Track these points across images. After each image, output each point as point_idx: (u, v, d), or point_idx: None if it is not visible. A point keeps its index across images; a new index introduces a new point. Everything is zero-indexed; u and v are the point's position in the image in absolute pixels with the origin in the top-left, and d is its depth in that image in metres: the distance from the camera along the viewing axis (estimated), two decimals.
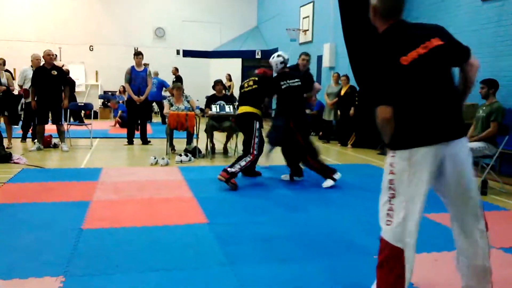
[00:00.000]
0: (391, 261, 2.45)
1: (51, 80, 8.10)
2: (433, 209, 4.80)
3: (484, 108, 5.92)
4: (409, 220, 2.43)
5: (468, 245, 2.59)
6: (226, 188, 5.58)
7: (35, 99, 8.14)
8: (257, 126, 5.90)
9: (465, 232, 2.59)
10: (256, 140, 5.80)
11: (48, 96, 8.11)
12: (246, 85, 6.17)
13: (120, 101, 13.76)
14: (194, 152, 7.94)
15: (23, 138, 9.24)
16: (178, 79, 14.41)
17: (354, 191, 5.65)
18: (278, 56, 6.00)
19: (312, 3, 13.45)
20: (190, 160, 7.54)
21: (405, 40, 2.43)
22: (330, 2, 11.65)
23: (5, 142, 7.86)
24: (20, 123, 9.32)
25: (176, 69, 14.98)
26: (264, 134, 6.03)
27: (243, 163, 5.67)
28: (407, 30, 2.48)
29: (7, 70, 8.88)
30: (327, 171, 5.91)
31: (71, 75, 16.20)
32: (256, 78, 6.10)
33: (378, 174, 6.77)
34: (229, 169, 5.58)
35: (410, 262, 2.44)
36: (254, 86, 6.04)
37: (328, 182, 5.83)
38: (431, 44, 2.41)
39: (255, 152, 5.79)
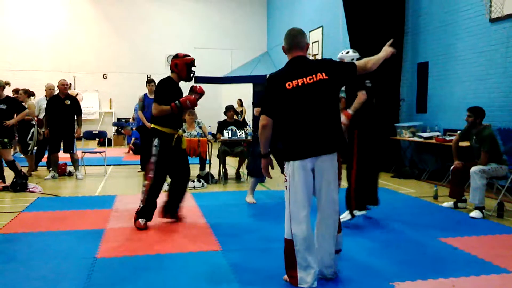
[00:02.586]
0: (286, 251, 3.23)
1: (64, 109, 8.24)
2: (449, 233, 4.76)
3: (474, 137, 5.90)
4: (294, 217, 3.18)
5: (322, 234, 3.30)
6: (240, 213, 5.56)
7: (48, 127, 8.27)
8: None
9: (325, 225, 3.30)
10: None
11: (61, 125, 8.24)
12: None
13: (134, 128, 13.91)
14: (207, 178, 7.97)
15: (36, 167, 9.34)
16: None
17: (372, 214, 5.60)
18: (354, 51, 5.39)
19: (321, 28, 13.60)
20: (203, 186, 7.56)
21: (297, 69, 3.20)
22: (339, 26, 11.78)
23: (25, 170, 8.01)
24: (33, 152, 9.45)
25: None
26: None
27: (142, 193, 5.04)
28: (303, 63, 3.24)
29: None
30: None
31: (84, 103, 16.54)
32: None
33: (392, 198, 6.72)
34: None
35: (302, 250, 3.14)
36: None
37: (347, 216, 5.10)
38: (316, 77, 3.16)
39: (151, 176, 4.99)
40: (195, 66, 5.14)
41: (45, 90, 8.92)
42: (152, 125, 5.00)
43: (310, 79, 3.14)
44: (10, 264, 3.82)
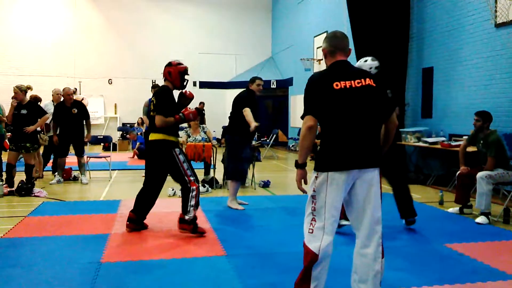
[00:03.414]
0: (308, 263, 2.81)
1: (71, 117, 8.27)
2: (455, 239, 4.74)
3: (481, 142, 5.87)
4: (325, 231, 2.80)
5: (362, 265, 2.85)
6: (244, 218, 5.56)
7: (57, 133, 8.32)
8: None
9: (362, 253, 2.86)
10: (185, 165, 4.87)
11: (69, 131, 8.28)
12: None
13: (139, 133, 13.95)
14: (211, 182, 7.97)
15: (54, 171, 9.34)
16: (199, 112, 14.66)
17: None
18: (373, 60, 5.12)
19: (325, 33, 13.62)
20: (207, 191, 7.56)
21: (343, 72, 2.91)
22: (344, 31, 11.77)
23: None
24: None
25: (202, 103, 15.52)
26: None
27: (192, 201, 4.80)
28: (348, 67, 2.95)
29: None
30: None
31: (89, 108, 16.59)
32: None
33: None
34: (186, 217, 4.81)
35: (321, 267, 2.80)
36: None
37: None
38: (365, 81, 2.88)
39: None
40: (188, 74, 5.07)
41: (52, 95, 8.97)
42: (163, 136, 4.80)
43: (358, 83, 2.86)
44: (15, 269, 3.82)
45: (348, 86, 2.83)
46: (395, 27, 9.36)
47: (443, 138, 8.35)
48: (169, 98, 4.89)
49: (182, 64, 5.08)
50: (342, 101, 2.81)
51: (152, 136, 4.86)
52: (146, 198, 5.05)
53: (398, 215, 5.93)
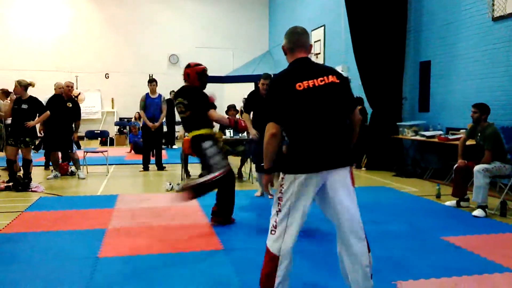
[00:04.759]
0: (268, 265, 2.80)
1: (65, 111, 8.21)
2: (452, 232, 4.75)
3: (479, 135, 5.88)
4: (287, 232, 2.75)
5: (350, 263, 2.77)
6: (241, 213, 5.56)
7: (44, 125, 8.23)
8: None
9: (347, 250, 2.78)
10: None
11: (58, 125, 8.19)
12: None
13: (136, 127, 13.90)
14: None
15: (46, 166, 9.31)
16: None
17: (374, 214, 5.58)
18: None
19: (323, 27, 13.58)
20: None
21: (305, 71, 2.81)
22: (341, 25, 11.75)
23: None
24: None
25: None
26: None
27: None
28: (309, 65, 2.88)
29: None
30: None
31: (86, 102, 16.54)
32: None
33: (394, 197, 6.70)
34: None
35: (283, 268, 2.76)
36: None
37: None
38: (327, 79, 2.79)
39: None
40: (207, 75, 5.14)
41: (55, 89, 8.75)
42: (209, 131, 5.00)
43: (321, 81, 2.76)
44: (12, 264, 3.83)
45: (311, 86, 2.74)
46: (392, 21, 9.34)
47: (440, 132, 8.35)
48: (202, 94, 5.05)
49: (201, 65, 5.13)
50: (307, 101, 2.73)
51: (196, 133, 4.93)
52: (222, 191, 5.09)
53: (394, 207, 5.96)
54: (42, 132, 8.29)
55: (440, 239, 4.56)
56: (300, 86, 2.73)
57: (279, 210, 2.78)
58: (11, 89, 9.05)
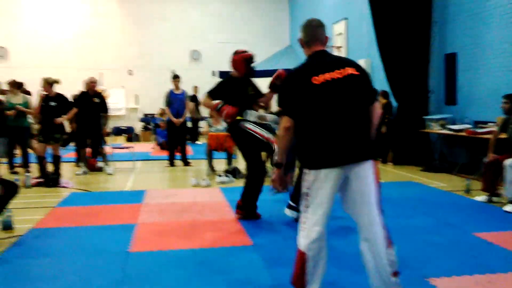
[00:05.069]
0: (298, 263, 2.78)
1: (92, 106, 8.38)
2: (484, 228, 4.67)
3: (511, 126, 5.75)
4: (312, 229, 2.72)
5: (371, 258, 2.72)
6: (269, 208, 5.54)
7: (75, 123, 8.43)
8: None
9: (368, 246, 2.73)
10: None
11: (88, 121, 8.37)
12: None
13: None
14: (234, 172, 8.00)
15: (78, 162, 9.43)
16: None
17: (402, 209, 5.52)
18: None
19: (345, 20, 13.44)
20: (231, 181, 7.59)
21: (322, 64, 2.77)
22: (364, 18, 11.61)
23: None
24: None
25: None
26: None
27: None
28: (326, 58, 2.85)
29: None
30: None
31: (110, 99, 16.71)
32: None
33: (423, 192, 6.62)
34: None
35: (312, 266, 2.74)
36: None
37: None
38: (345, 71, 2.73)
39: None
40: (253, 62, 5.25)
41: (87, 83, 8.80)
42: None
43: (339, 73, 2.70)
44: (45, 259, 3.91)
45: (329, 79, 2.69)
46: (417, 12, 9.18)
47: (468, 125, 8.20)
48: (221, 86, 5.16)
49: (247, 52, 5.23)
50: (324, 95, 2.67)
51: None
52: (249, 185, 5.12)
53: (423, 203, 5.88)
54: (73, 129, 8.45)
55: (471, 235, 4.49)
56: (316, 80, 2.69)
57: (307, 206, 2.76)
58: (31, 86, 9.13)
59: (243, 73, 5.16)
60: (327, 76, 2.69)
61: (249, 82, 5.26)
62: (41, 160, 7.48)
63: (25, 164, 8.32)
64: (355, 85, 2.73)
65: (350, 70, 2.73)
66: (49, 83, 7.53)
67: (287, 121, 2.74)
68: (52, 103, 7.48)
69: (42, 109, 7.55)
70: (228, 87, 5.14)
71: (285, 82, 2.86)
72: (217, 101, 5.14)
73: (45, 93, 7.62)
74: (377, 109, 2.89)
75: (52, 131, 7.43)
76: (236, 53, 5.22)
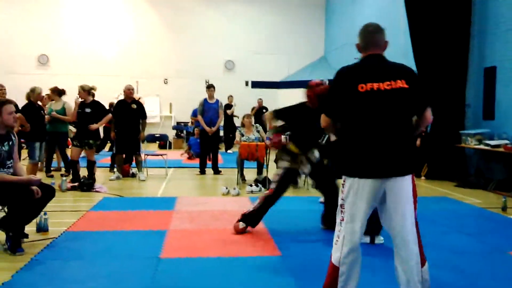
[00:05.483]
0: (330, 276, 2.75)
1: (130, 113, 8.56)
2: None
3: None
4: (345, 243, 2.69)
5: (401, 274, 2.68)
6: (298, 219, 5.53)
7: (115, 130, 8.64)
8: None
9: (400, 262, 2.69)
10: None
11: (126, 128, 8.56)
12: None
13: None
14: (264, 182, 7.99)
15: (111, 168, 9.61)
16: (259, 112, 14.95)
17: (435, 225, 5.40)
18: None
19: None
20: (260, 190, 7.59)
21: (373, 71, 2.72)
22: (400, 28, 11.48)
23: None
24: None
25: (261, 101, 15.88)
26: None
27: None
28: (379, 64, 2.77)
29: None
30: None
31: (145, 107, 17.01)
32: None
33: (457, 208, 6.44)
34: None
35: (343, 280, 2.69)
36: None
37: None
38: (396, 84, 2.66)
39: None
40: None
41: (124, 91, 8.99)
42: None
43: (388, 85, 2.64)
44: (77, 261, 4.00)
45: (375, 89, 2.63)
46: (455, 24, 9.01)
47: (506, 141, 7.95)
48: (290, 111, 5.05)
49: (323, 84, 4.83)
50: (367, 105, 2.63)
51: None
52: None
53: (457, 219, 5.73)
54: (113, 138, 8.67)
55: (507, 254, 4.34)
56: (362, 87, 2.65)
57: (342, 219, 2.73)
58: (70, 93, 9.38)
59: (316, 107, 4.63)
60: (375, 85, 2.64)
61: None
62: (74, 164, 7.68)
63: (61, 168, 8.56)
64: (402, 99, 2.66)
65: (400, 83, 2.67)
66: (85, 90, 7.76)
67: (324, 120, 2.81)
68: (88, 110, 7.70)
69: (78, 115, 7.78)
70: (297, 114, 4.93)
71: (334, 81, 2.80)
72: (279, 122, 5.02)
73: (81, 99, 7.84)
74: (427, 115, 2.82)
75: (86, 137, 7.63)
76: (310, 87, 4.79)
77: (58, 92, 8.69)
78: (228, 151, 14.69)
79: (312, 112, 4.62)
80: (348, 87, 2.68)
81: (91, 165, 7.68)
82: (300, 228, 5.23)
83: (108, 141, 9.66)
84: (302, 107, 4.94)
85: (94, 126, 7.70)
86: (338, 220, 2.76)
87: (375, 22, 3.00)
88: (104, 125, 8.93)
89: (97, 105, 7.89)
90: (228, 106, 14.75)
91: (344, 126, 2.74)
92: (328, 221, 4.94)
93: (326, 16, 19.22)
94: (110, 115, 8.22)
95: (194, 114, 15.21)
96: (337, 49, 17.67)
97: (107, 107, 9.16)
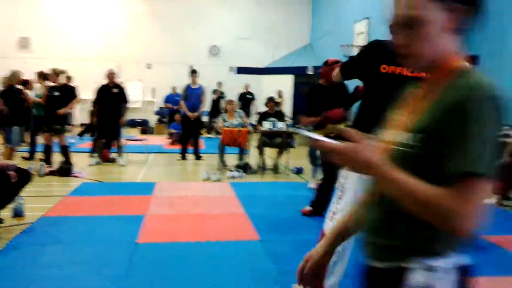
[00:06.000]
0: None
1: (112, 97, 8.42)
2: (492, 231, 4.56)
3: None
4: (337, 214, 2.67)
5: None
6: (277, 204, 5.53)
7: (96, 115, 8.50)
8: None
9: None
10: None
11: (108, 112, 8.42)
12: None
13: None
14: (245, 168, 7.99)
15: (92, 153, 9.43)
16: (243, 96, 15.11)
17: None
18: None
19: (367, 19, 13.30)
20: (241, 176, 7.58)
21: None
22: (386, 17, 11.48)
23: None
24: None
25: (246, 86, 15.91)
26: None
27: None
28: None
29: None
30: None
31: (129, 92, 16.84)
32: None
33: None
34: None
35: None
36: None
37: None
38: (418, 73, 2.56)
39: None
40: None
41: (107, 75, 8.86)
42: None
43: (412, 72, 2.46)
44: (54, 246, 3.96)
45: (397, 73, 2.53)
46: None
47: None
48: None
49: (339, 62, 4.88)
50: (384, 86, 2.51)
51: None
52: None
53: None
54: (94, 123, 8.51)
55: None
56: (384, 68, 2.57)
57: (341, 197, 2.70)
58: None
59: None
60: (398, 70, 2.55)
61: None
62: (48, 149, 7.54)
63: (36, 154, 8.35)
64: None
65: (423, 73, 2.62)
66: (56, 73, 7.55)
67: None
68: (56, 93, 7.50)
69: (46, 99, 7.56)
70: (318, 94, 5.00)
71: (362, 51, 2.83)
72: None
73: (52, 83, 7.65)
74: None
75: (54, 122, 7.44)
76: (327, 63, 4.86)
77: (42, 76, 8.49)
78: (209, 135, 14.71)
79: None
80: (372, 63, 2.62)
81: (64, 150, 7.50)
82: (279, 213, 5.24)
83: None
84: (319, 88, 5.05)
85: (61, 110, 7.51)
86: (335, 198, 2.73)
87: (362, 10, 2.95)
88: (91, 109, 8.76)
89: (66, 89, 7.71)
90: (216, 91, 14.94)
91: (361, 106, 2.75)
92: (318, 206, 4.95)
93: (313, 3, 19.14)
94: (77, 99, 8.00)
95: (167, 100, 15.34)
96: (323, 37, 17.64)
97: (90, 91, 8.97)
